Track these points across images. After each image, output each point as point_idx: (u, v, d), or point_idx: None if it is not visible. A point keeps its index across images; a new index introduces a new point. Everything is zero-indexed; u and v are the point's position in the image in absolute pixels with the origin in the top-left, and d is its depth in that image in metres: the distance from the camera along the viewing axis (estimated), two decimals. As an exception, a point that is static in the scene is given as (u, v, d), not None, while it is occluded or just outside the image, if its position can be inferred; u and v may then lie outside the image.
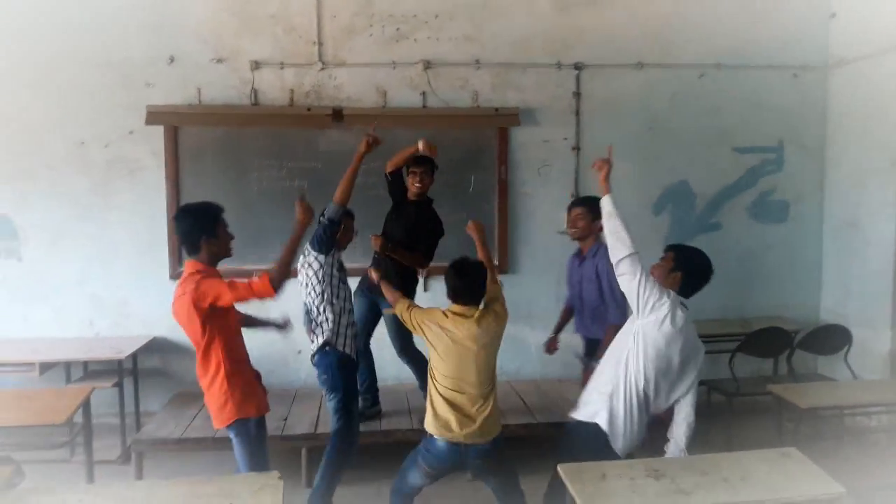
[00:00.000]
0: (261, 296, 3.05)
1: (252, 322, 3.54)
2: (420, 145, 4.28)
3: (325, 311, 3.68)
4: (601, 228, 3.40)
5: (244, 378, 3.22)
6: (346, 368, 3.73)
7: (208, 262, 3.14)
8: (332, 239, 3.65)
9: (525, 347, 5.47)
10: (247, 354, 3.35)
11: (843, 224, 5.59)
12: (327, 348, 3.70)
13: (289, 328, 3.73)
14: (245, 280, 3.08)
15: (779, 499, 2.73)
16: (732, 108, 5.68)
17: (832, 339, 5.10)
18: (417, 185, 4.35)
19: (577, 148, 5.55)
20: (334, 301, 3.69)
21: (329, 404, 3.77)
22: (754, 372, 5.39)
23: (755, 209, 5.77)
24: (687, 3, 5.56)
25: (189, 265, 3.15)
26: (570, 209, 4.10)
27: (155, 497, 2.72)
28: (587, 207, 3.95)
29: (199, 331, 3.08)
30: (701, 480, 2.80)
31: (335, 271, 3.71)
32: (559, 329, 4.36)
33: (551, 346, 4.33)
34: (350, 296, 3.85)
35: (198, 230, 3.11)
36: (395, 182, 4.46)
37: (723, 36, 5.60)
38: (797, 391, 4.07)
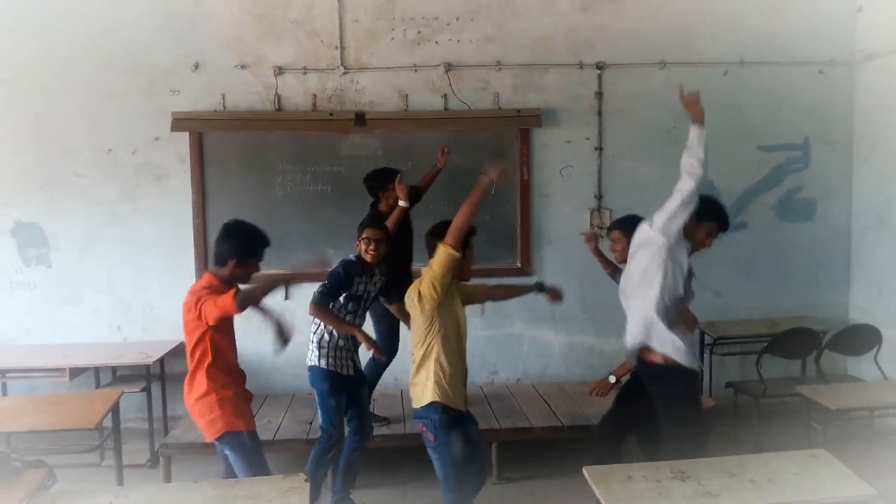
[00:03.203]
0: (223, 309, 3.00)
1: (263, 309, 3.33)
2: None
3: (316, 328, 3.81)
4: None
5: (234, 392, 3.27)
6: (329, 384, 3.78)
7: (224, 281, 3.16)
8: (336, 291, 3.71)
9: (549, 350, 5.46)
10: (242, 375, 3.40)
11: (871, 222, 5.50)
12: (310, 364, 3.81)
13: (283, 341, 3.43)
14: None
15: (807, 500, 2.70)
16: (757, 106, 5.61)
17: (862, 338, 5.01)
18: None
19: (599, 148, 5.53)
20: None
21: None
22: (782, 373, 5.29)
23: (781, 208, 5.70)
24: (709, 0, 5.51)
25: (207, 277, 3.22)
26: (608, 231, 4.03)
27: (184, 499, 2.76)
28: (623, 231, 3.75)
29: (192, 342, 3.21)
30: (728, 482, 2.78)
31: (350, 303, 3.80)
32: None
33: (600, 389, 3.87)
34: (356, 313, 3.84)
35: (233, 250, 3.17)
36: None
37: (746, 32, 5.54)
38: (826, 392, 4.02)
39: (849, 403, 3.88)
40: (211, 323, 3.06)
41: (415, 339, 3.25)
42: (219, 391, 3.20)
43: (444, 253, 3.05)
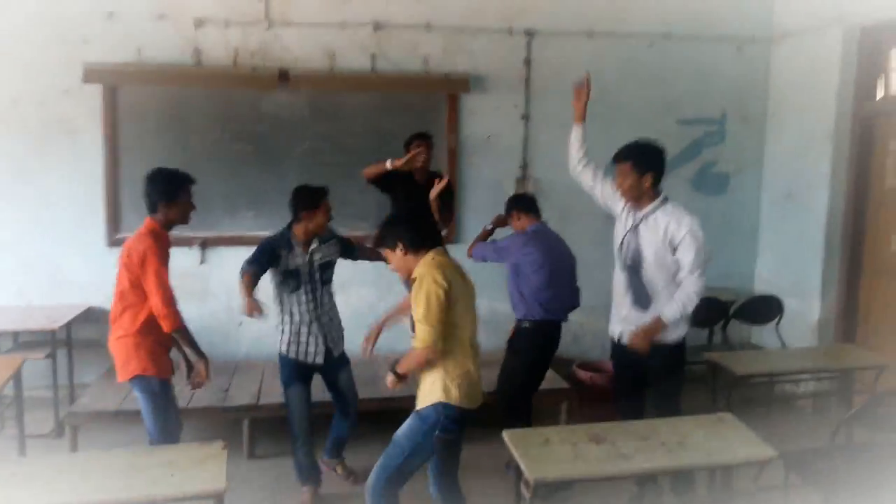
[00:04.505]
0: (157, 313, 3.20)
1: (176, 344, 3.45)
2: (388, 164, 4.39)
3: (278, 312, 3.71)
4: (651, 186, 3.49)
5: (153, 338, 3.29)
6: (287, 372, 3.72)
7: (163, 225, 3.33)
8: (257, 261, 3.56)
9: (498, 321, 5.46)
10: None
11: (780, 196, 5.76)
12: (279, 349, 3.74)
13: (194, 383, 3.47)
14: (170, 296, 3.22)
15: (715, 462, 2.86)
16: (679, 80, 5.74)
17: (765, 309, 5.30)
18: (423, 158, 4.47)
19: (525, 117, 5.55)
20: (284, 304, 3.69)
21: None
22: (689, 341, 5.53)
23: (697, 180, 5.88)
24: (638, -27, 5.56)
25: (147, 222, 3.31)
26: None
27: (94, 468, 2.68)
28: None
29: (126, 283, 3.24)
30: (640, 445, 2.91)
31: (287, 280, 3.63)
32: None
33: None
34: (301, 289, 3.64)
35: (158, 194, 3.28)
36: (384, 181, 4.48)
37: (672, 6, 5.62)
38: (732, 359, 4.24)
39: (753, 370, 4.10)
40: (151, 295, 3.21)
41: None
42: (138, 334, 3.25)
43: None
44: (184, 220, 3.40)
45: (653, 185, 3.49)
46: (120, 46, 4.95)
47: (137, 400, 3.36)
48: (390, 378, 2.94)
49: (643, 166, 3.47)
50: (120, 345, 3.28)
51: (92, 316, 4.99)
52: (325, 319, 3.72)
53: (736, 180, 5.95)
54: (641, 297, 3.52)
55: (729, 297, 5.34)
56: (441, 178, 4.40)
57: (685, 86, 5.76)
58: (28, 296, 5.05)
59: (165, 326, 3.19)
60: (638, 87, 5.70)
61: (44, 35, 4.87)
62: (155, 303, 3.17)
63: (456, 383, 2.88)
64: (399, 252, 2.94)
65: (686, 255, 3.39)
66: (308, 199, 3.58)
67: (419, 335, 2.84)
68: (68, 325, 4.72)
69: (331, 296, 3.80)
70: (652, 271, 3.48)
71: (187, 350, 3.40)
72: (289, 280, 3.61)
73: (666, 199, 3.51)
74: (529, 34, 5.48)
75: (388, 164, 4.38)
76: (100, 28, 4.92)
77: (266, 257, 3.55)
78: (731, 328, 5.33)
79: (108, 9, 4.91)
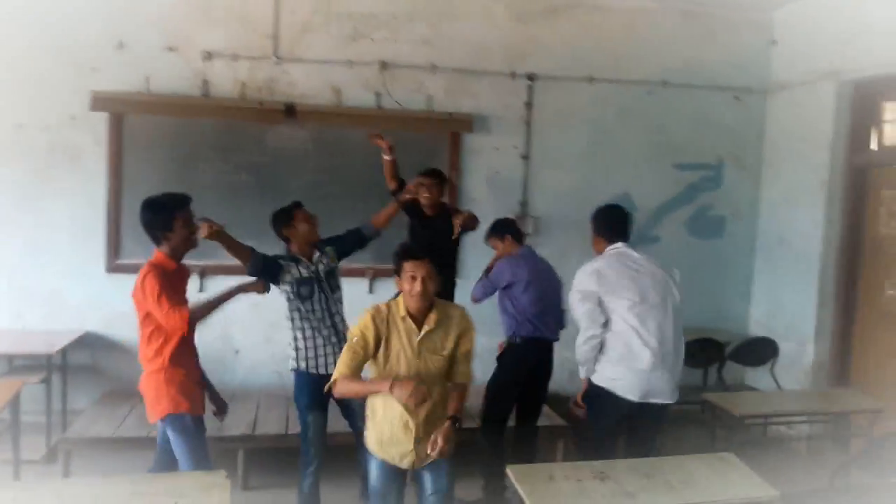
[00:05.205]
0: (171, 328, 3.08)
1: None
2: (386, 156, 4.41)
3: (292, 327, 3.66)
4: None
5: (184, 372, 3.19)
6: (306, 387, 3.63)
7: (170, 255, 3.18)
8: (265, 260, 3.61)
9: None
10: (194, 351, 3.32)
11: (774, 241, 5.86)
12: (290, 368, 3.68)
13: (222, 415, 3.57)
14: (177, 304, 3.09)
15: (719, 501, 2.85)
16: (677, 126, 5.88)
17: (760, 351, 5.35)
18: (426, 195, 4.37)
19: (526, 157, 5.65)
20: (296, 318, 3.64)
21: None
22: (683, 382, 5.55)
23: (693, 224, 5.98)
24: (637, 22, 5.74)
25: (154, 254, 3.19)
26: (488, 236, 4.38)
27: (94, 494, 2.65)
28: (494, 236, 4.31)
29: (142, 318, 3.14)
30: (646, 483, 2.91)
31: (300, 289, 3.59)
32: None
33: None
34: (326, 312, 3.65)
35: (155, 224, 3.16)
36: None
37: (670, 55, 5.80)
38: (730, 400, 4.27)
39: (751, 410, 4.13)
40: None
41: None
42: (169, 368, 3.13)
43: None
44: (189, 243, 3.23)
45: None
46: (128, 76, 5.01)
47: (170, 439, 3.18)
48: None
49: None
50: (150, 381, 3.15)
51: (88, 341, 4.97)
52: (341, 327, 3.68)
53: (731, 225, 6.06)
54: None
55: (723, 339, 5.38)
56: (455, 211, 4.50)
57: (683, 132, 5.90)
58: (25, 319, 5.00)
59: (182, 329, 3.07)
60: (636, 131, 5.82)
61: (52, 61, 4.92)
62: (161, 317, 3.04)
63: None
64: None
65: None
66: (282, 216, 3.67)
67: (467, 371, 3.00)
68: (64, 350, 4.67)
69: (341, 305, 3.77)
70: None
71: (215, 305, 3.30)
72: (302, 288, 3.58)
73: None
74: (531, 78, 5.61)
75: (386, 157, 4.40)
76: (109, 57, 4.98)
77: (271, 261, 3.59)
78: (725, 369, 5.36)
79: (119, 39, 4.99)
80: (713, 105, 5.91)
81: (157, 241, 3.19)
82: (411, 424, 2.86)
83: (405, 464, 2.93)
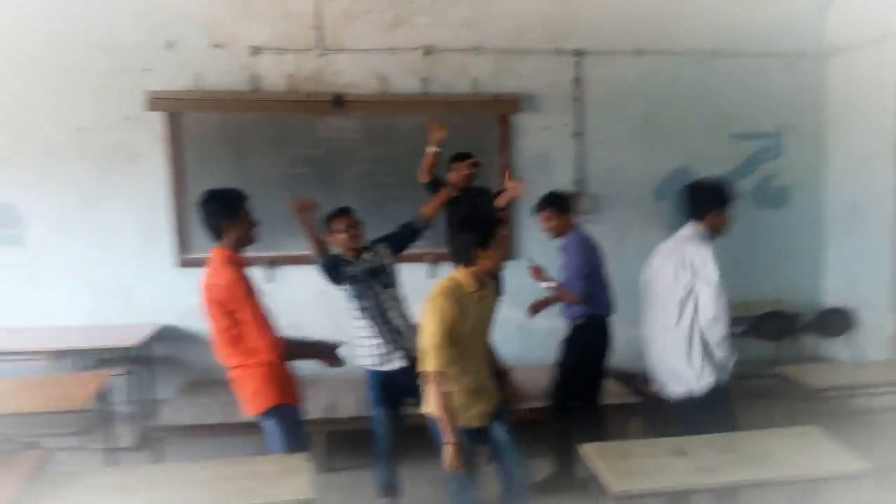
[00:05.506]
0: (259, 349, 2.98)
1: (297, 352, 3.25)
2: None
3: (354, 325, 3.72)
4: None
5: (282, 365, 3.11)
6: (370, 383, 3.73)
7: (233, 248, 3.06)
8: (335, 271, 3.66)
9: (530, 332, 5.41)
10: (282, 342, 3.18)
11: (844, 209, 5.65)
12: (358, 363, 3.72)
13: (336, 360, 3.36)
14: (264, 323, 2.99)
15: (806, 475, 2.74)
16: (730, 96, 5.69)
17: (836, 322, 5.18)
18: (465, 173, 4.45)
19: (578, 134, 5.54)
20: (355, 316, 3.70)
21: None
22: (754, 356, 5.41)
23: (756, 195, 5.80)
24: (685, -10, 5.56)
25: (216, 253, 3.05)
26: (538, 209, 4.07)
27: (182, 479, 2.73)
28: (552, 208, 4.00)
29: (222, 319, 2.99)
30: (725, 458, 2.82)
31: (351, 288, 3.66)
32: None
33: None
34: (378, 310, 3.66)
35: (218, 215, 3.04)
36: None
37: (720, 23, 5.61)
38: (807, 372, 4.10)
39: (830, 383, 3.95)
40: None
41: None
42: (269, 362, 3.01)
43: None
44: (251, 236, 3.13)
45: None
46: (179, 74, 5.09)
47: (267, 434, 3.11)
48: None
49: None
50: (248, 375, 3.02)
51: (165, 335, 5.11)
52: (398, 322, 3.67)
53: (796, 194, 5.86)
54: None
55: (794, 311, 5.21)
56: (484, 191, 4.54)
57: (736, 102, 5.72)
58: (102, 316, 5.14)
59: (271, 358, 3.00)
60: (688, 103, 5.67)
61: (106, 65, 5.03)
62: (253, 338, 2.96)
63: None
64: None
65: None
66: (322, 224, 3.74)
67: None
68: (147, 343, 4.83)
69: (399, 300, 3.75)
70: None
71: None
72: (353, 285, 3.64)
73: None
74: (578, 54, 5.50)
75: (434, 149, 4.39)
76: (159, 57, 5.06)
77: (334, 257, 3.68)
78: (798, 341, 5.19)
79: (167, 38, 5.06)
80: (767, 72, 5.69)
81: (219, 233, 3.05)
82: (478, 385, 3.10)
83: (483, 421, 3.10)
